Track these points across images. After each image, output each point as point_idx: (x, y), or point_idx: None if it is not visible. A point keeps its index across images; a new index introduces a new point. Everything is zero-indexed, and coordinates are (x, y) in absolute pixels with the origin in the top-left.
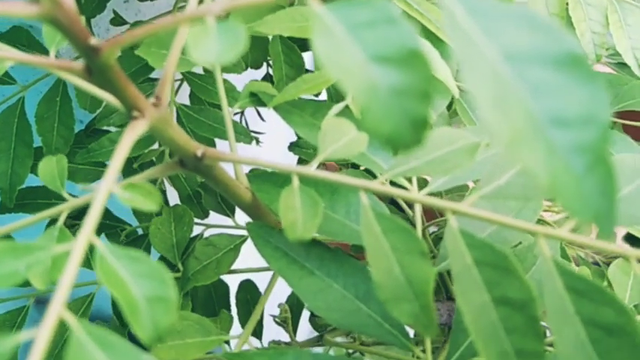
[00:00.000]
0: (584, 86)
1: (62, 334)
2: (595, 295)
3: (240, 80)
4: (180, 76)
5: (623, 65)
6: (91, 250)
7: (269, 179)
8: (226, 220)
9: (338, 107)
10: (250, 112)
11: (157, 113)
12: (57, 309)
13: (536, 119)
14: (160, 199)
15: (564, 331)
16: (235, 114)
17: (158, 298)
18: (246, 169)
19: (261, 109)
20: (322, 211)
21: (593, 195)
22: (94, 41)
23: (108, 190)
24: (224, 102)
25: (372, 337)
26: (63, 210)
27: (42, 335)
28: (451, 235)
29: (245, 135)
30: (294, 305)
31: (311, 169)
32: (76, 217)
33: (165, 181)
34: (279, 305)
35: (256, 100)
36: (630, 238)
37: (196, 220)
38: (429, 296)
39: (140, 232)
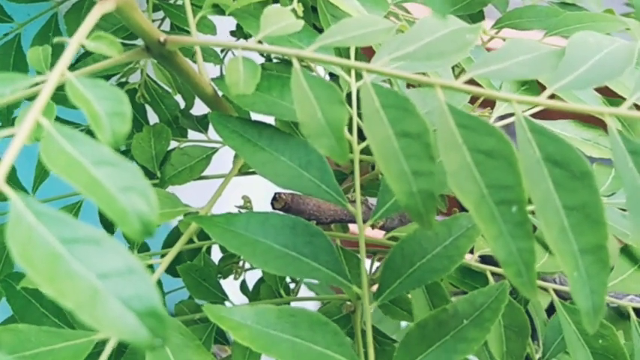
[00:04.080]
0: None
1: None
2: (480, 128)
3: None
4: (162, 15)
5: (564, 5)
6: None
7: None
8: (201, 137)
9: (285, 9)
10: None
11: None
12: (34, 114)
13: None
14: (120, 48)
15: (452, 156)
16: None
17: (116, 113)
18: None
19: None
20: (260, 73)
21: None
22: None
23: (79, 42)
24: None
25: (312, 196)
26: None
27: (21, 133)
28: (364, 88)
29: (215, 57)
30: None
31: (253, 44)
32: None
33: (145, 106)
34: (243, 197)
35: (217, 10)
36: None
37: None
38: (342, 132)
39: (123, 148)
